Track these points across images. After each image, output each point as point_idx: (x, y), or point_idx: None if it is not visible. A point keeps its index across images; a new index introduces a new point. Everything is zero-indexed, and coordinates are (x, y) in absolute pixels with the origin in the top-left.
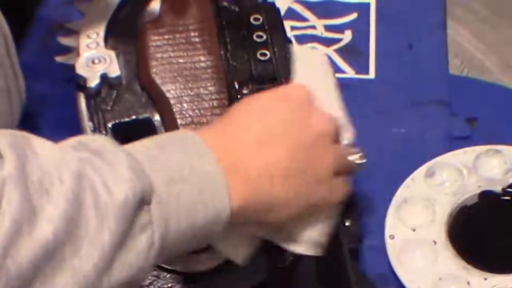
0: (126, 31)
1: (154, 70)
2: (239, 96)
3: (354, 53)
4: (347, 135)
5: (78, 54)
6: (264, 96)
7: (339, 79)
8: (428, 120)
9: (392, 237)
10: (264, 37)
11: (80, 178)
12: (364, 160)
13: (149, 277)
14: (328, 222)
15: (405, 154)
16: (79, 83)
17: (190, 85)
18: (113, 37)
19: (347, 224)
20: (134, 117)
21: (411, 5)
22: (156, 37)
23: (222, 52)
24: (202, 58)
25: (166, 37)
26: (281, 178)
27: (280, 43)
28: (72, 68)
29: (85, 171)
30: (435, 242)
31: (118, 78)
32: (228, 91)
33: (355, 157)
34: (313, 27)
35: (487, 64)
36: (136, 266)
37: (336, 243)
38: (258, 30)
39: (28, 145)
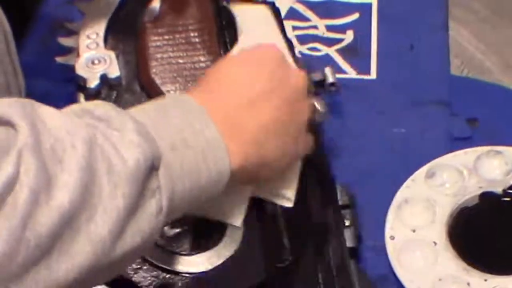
0: (126, 32)
1: (154, 70)
2: None
3: (355, 53)
4: None
5: (78, 55)
6: (242, 59)
7: (340, 80)
8: (429, 120)
9: (392, 237)
10: None
11: (91, 144)
12: (326, 109)
13: (149, 277)
14: (296, 175)
15: (406, 155)
16: (79, 84)
17: (190, 85)
18: (113, 37)
19: (347, 224)
20: None
21: (412, 6)
22: (156, 37)
23: (222, 52)
24: (202, 58)
25: (166, 37)
26: (273, 135)
27: None
28: (72, 68)
29: (96, 136)
30: (435, 243)
31: (118, 78)
32: None
33: (319, 106)
34: (315, 27)
35: (487, 64)
36: (146, 231)
37: (336, 243)
38: None
39: (36, 113)
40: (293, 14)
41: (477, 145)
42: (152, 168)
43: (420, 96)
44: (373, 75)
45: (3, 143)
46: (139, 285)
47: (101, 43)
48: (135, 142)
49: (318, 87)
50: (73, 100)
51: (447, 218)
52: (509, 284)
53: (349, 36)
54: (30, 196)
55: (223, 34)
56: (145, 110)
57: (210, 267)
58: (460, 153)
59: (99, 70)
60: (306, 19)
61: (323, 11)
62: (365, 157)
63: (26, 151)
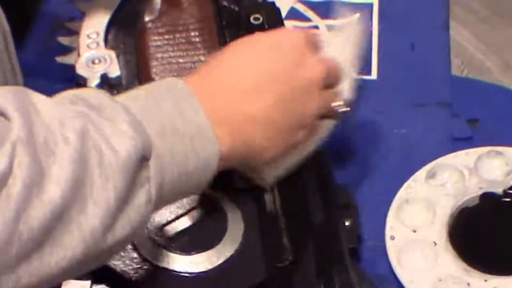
0: (126, 31)
1: (154, 70)
2: None
3: None
4: (347, 81)
5: (78, 54)
6: (256, 40)
7: None
8: (430, 121)
9: (392, 237)
10: None
11: (83, 136)
12: (348, 109)
13: (149, 277)
14: (295, 158)
15: (407, 155)
16: (79, 83)
17: None
18: (113, 37)
19: (347, 224)
20: None
21: (413, 6)
22: (156, 37)
23: None
24: (202, 58)
25: (166, 37)
26: (266, 126)
27: None
28: (72, 68)
29: (88, 128)
30: (435, 243)
31: (118, 78)
32: None
33: (338, 105)
34: (316, 27)
35: (487, 64)
36: (136, 220)
37: (336, 243)
38: (258, 30)
39: (29, 102)
40: (294, 14)
41: (477, 146)
42: (143, 159)
43: (420, 96)
44: (373, 75)
45: None
46: (139, 284)
47: (102, 43)
48: (126, 134)
49: None
50: None
51: (448, 218)
52: (509, 285)
53: None
54: (23, 190)
55: (224, 33)
56: (137, 96)
57: (210, 267)
58: (460, 153)
59: (100, 69)
60: (307, 19)
61: (324, 11)
62: (366, 157)
63: (20, 143)
